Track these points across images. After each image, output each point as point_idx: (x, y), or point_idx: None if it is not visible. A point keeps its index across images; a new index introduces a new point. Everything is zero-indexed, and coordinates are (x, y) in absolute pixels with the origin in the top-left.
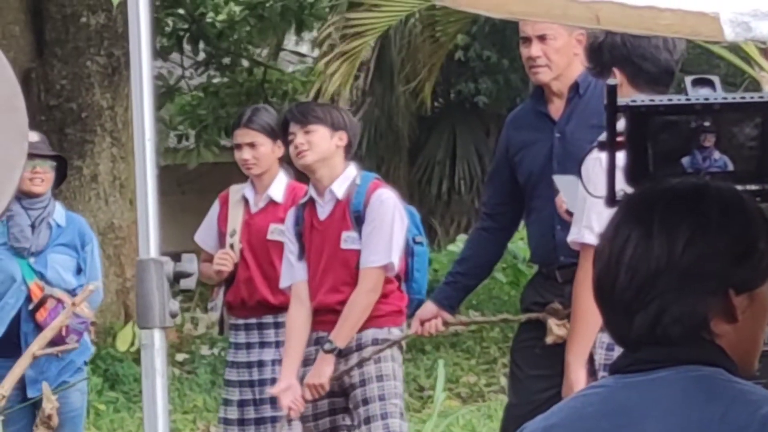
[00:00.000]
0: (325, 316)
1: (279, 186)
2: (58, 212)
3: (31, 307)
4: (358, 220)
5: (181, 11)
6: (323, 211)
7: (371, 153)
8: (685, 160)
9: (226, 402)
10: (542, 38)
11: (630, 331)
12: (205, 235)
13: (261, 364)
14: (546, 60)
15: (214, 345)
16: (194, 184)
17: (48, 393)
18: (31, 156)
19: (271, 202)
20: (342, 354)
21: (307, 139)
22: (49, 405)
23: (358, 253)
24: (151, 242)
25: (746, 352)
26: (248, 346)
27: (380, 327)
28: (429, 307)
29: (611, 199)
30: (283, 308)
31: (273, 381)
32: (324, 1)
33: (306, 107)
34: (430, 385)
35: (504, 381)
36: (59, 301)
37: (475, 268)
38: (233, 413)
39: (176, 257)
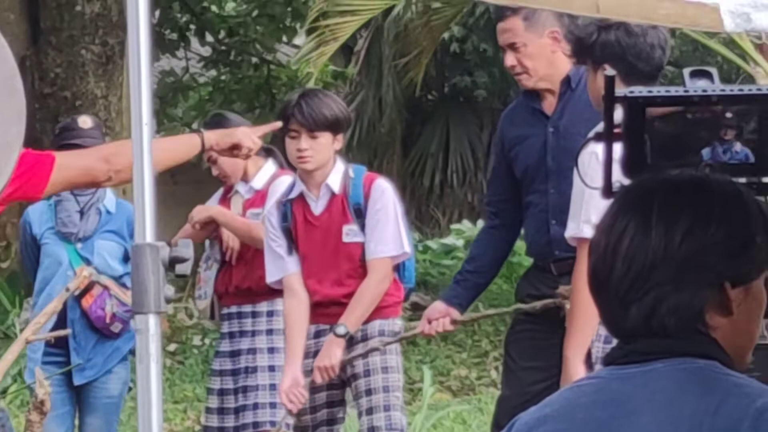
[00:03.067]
0: (329, 308)
1: (263, 177)
2: (109, 198)
3: (76, 293)
4: (359, 213)
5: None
6: (318, 205)
7: (364, 145)
8: (705, 152)
9: (209, 391)
10: (512, 47)
11: (625, 322)
12: (213, 201)
13: (239, 353)
14: (522, 68)
15: (205, 335)
16: (187, 175)
17: (41, 378)
18: (80, 147)
19: (257, 192)
20: (347, 343)
21: (311, 145)
22: (42, 390)
23: (360, 245)
24: (147, 227)
25: (741, 345)
26: (231, 335)
27: (386, 318)
28: (438, 306)
29: (608, 191)
30: (260, 296)
31: (246, 370)
32: None
33: (315, 109)
34: (420, 378)
35: (495, 374)
36: (105, 287)
37: (484, 266)
38: (214, 402)
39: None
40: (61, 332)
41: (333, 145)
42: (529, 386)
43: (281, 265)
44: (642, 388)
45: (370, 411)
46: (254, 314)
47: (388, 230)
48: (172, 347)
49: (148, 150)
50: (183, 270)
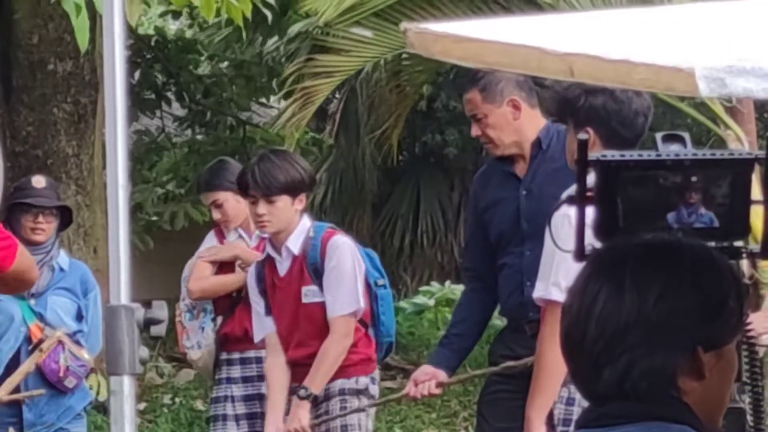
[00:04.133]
0: (296, 369)
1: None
2: (62, 257)
3: (30, 347)
4: (317, 273)
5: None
6: (282, 267)
7: (335, 205)
8: (671, 216)
9: None
10: (475, 118)
11: (597, 385)
12: (208, 244)
13: (261, 397)
14: (486, 138)
15: (176, 394)
16: (159, 233)
17: None
18: (35, 206)
19: (263, 239)
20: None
21: (269, 210)
22: None
23: (320, 305)
24: (122, 288)
25: (712, 409)
26: (245, 380)
27: (348, 377)
28: (425, 369)
29: (580, 254)
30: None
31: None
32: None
33: (268, 175)
34: None
35: None
36: (60, 342)
37: (470, 329)
38: None
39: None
40: (34, 392)
41: (293, 206)
42: None
43: (262, 325)
44: None
45: None
46: (244, 361)
47: (343, 287)
48: (141, 406)
49: (124, 211)
50: (158, 331)
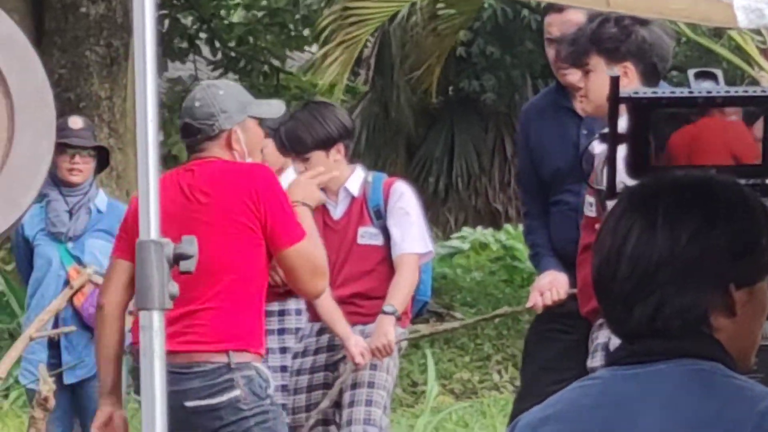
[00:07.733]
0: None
1: (289, 178)
2: (100, 198)
3: (67, 290)
4: (378, 215)
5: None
6: (337, 210)
7: (369, 148)
8: None
9: None
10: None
11: (629, 322)
12: None
13: (285, 351)
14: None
15: None
16: None
17: (45, 375)
18: (72, 147)
19: None
20: (334, 348)
21: (306, 166)
22: (46, 387)
23: (375, 248)
24: (151, 224)
25: (744, 346)
26: (280, 332)
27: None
28: (547, 276)
29: (611, 191)
30: (289, 295)
31: (274, 369)
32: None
33: (293, 136)
34: (423, 381)
35: (497, 378)
36: (97, 285)
37: (551, 251)
38: None
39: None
40: (65, 329)
41: (329, 158)
42: (546, 387)
43: None
44: (645, 389)
45: (351, 404)
46: (267, 314)
47: (413, 229)
48: None
49: (153, 147)
50: (187, 267)
